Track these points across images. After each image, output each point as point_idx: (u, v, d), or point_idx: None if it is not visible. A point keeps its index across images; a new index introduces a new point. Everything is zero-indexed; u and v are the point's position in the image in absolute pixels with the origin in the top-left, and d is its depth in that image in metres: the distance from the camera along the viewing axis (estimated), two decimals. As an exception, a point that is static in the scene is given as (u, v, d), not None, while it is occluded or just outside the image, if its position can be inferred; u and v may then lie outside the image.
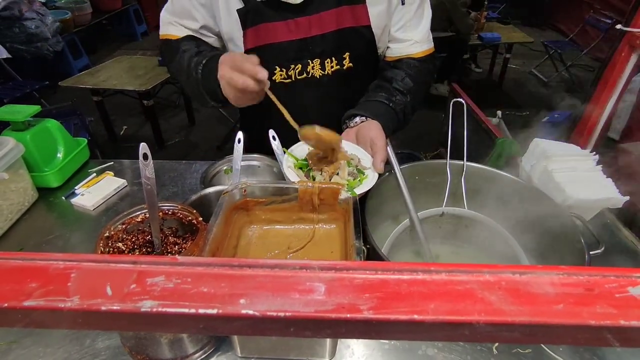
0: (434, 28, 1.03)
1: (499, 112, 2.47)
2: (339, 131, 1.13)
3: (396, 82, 0.95)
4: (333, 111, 0.95)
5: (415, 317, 0.22)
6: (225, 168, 0.93)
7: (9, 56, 1.53)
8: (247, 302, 0.23)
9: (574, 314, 0.22)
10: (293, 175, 0.72)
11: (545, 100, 3.97)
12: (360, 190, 0.71)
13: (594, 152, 0.92)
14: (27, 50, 3.28)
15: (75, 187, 0.99)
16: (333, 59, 0.93)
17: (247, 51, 0.91)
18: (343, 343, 0.64)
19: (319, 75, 0.93)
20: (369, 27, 0.92)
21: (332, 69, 0.94)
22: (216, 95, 0.81)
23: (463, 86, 2.46)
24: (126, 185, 1.01)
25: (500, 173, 0.89)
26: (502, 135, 1.71)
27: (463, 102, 0.90)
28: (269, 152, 0.84)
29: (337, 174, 0.73)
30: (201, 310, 0.22)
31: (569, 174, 0.86)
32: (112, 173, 1.04)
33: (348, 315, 0.22)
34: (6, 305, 0.22)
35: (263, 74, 0.69)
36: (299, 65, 0.92)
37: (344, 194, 0.65)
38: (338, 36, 0.90)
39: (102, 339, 0.64)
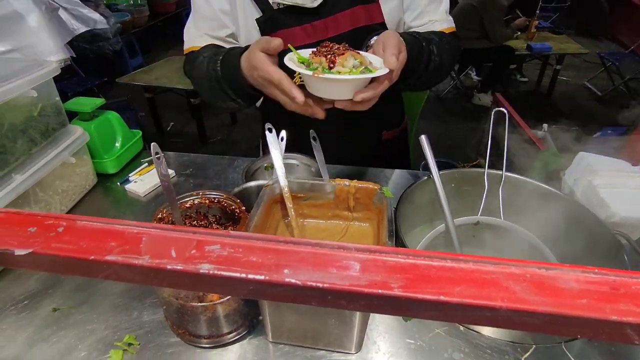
0: (464, 36, 1.01)
1: (545, 125, 2.38)
2: (364, 131, 1.11)
3: (421, 34, 0.90)
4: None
5: (442, 297, 0.24)
6: (265, 165, 0.98)
7: (74, 55, 1.72)
8: (291, 272, 0.26)
9: (596, 308, 0.23)
10: (292, 65, 0.65)
11: (598, 115, 3.76)
12: (362, 75, 0.63)
13: (646, 169, 0.88)
14: (90, 49, 3.56)
15: (129, 175, 1.08)
16: None
17: None
18: (370, 339, 0.66)
19: None
20: (383, 24, 0.93)
21: None
22: (240, 86, 0.79)
23: (508, 97, 2.39)
24: (174, 175, 1.09)
25: (540, 185, 0.87)
26: (546, 147, 1.65)
27: (505, 111, 0.89)
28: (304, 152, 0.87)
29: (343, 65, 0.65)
30: (250, 276, 0.25)
31: (615, 190, 0.83)
32: (162, 164, 1.12)
33: (379, 291, 0.24)
34: (92, 257, 0.27)
35: (300, 98, 0.65)
36: None
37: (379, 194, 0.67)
38: (353, 35, 0.92)
39: (148, 313, 0.70)
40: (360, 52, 0.70)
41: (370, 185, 0.68)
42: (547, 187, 0.86)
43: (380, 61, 0.69)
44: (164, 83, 2.97)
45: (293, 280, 0.25)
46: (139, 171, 1.10)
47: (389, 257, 0.26)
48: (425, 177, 0.87)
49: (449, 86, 4.27)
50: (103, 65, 3.78)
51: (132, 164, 1.14)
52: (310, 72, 0.62)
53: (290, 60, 0.67)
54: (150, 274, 0.26)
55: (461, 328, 0.67)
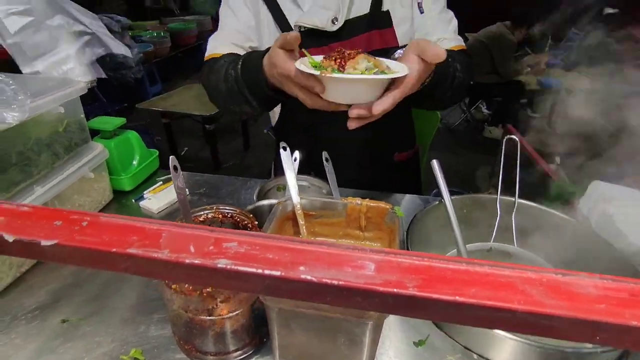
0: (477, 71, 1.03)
1: (558, 158, 2.37)
2: (376, 152, 1.13)
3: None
4: (368, 130, 0.85)
5: (457, 298, 0.24)
6: (278, 185, 0.99)
7: (105, 76, 1.83)
8: (306, 269, 0.26)
9: (616, 313, 0.23)
10: (302, 66, 0.61)
11: (611, 149, 3.73)
12: (371, 76, 0.58)
13: (663, 199, 0.86)
14: (114, 76, 3.71)
15: (144, 192, 1.10)
16: None
17: None
18: (379, 363, 0.64)
19: None
20: (397, 48, 0.97)
21: None
22: (260, 88, 0.78)
23: (519, 131, 2.41)
24: (187, 194, 1.10)
25: (554, 213, 0.86)
26: (559, 178, 1.64)
27: (516, 138, 0.90)
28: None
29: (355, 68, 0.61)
30: (267, 271, 0.26)
31: (631, 219, 0.82)
32: (176, 183, 1.15)
33: (395, 290, 0.24)
34: (114, 250, 0.28)
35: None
36: None
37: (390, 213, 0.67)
38: None
39: (156, 328, 0.69)
40: (378, 58, 0.66)
41: (382, 205, 0.68)
42: (561, 214, 0.85)
43: (402, 67, 0.63)
44: (181, 109, 3.08)
45: (309, 277, 0.25)
46: (154, 189, 1.12)
47: (403, 258, 0.27)
48: (437, 202, 0.87)
49: (460, 119, 4.32)
50: (124, 91, 3.92)
51: (147, 182, 1.16)
52: (317, 72, 0.59)
53: (301, 63, 0.64)
54: (169, 266, 0.27)
55: (474, 356, 0.65)
